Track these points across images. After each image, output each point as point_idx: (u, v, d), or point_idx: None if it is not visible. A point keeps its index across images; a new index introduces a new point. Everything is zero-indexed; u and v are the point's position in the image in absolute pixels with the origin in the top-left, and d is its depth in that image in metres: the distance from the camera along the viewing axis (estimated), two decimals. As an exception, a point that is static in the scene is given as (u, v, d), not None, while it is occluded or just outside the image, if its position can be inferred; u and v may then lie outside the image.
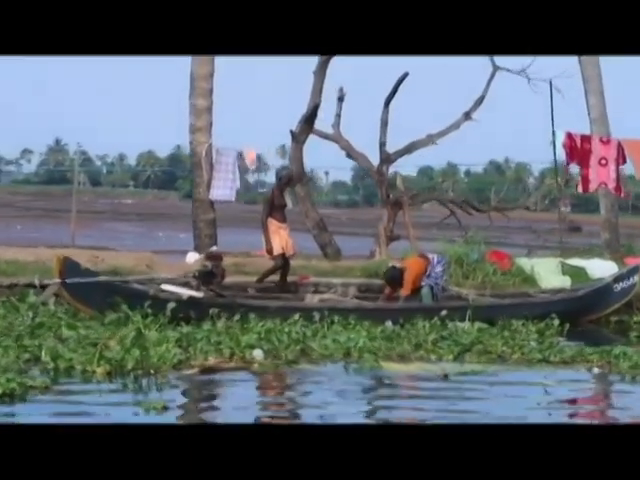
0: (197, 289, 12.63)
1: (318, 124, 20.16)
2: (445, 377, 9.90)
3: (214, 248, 16.39)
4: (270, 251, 14.49)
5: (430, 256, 14.77)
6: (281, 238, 14.56)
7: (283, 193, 15.11)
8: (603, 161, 18.84)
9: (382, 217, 19.91)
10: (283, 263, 14.64)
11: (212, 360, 9.67)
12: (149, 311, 11.56)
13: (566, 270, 17.36)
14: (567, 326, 14.34)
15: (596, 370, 10.54)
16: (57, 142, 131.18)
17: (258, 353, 10.04)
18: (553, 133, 19.56)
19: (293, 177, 16.58)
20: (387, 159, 20.19)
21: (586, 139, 19.04)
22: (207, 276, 12.58)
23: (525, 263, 17.38)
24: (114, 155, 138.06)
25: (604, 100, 21.88)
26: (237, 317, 12.10)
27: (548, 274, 17.12)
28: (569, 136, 18.90)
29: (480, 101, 20.97)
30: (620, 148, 18.82)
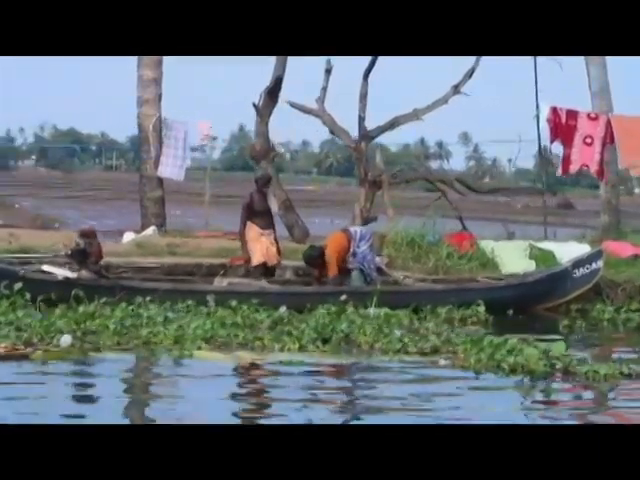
0: (83, 270, 12.00)
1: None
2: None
3: (151, 228, 15.74)
4: (248, 261, 13.58)
5: (352, 230, 13.86)
6: (262, 246, 13.60)
7: (265, 196, 14.19)
8: (588, 140, 17.49)
9: (359, 197, 18.87)
10: (265, 273, 13.64)
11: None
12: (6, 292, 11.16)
13: (534, 254, 16.24)
14: (511, 313, 13.40)
15: (442, 362, 9.49)
16: (241, 128, 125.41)
17: (66, 339, 9.31)
18: (537, 107, 18.36)
19: (271, 178, 15.61)
20: (366, 135, 19.10)
21: (572, 115, 17.65)
22: (79, 255, 11.85)
23: (487, 246, 16.30)
24: (297, 142, 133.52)
25: (606, 72, 20.44)
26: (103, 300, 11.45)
27: (512, 258, 16.05)
28: (554, 111, 17.59)
29: (470, 74, 19.65)
30: (609, 126, 17.45)
